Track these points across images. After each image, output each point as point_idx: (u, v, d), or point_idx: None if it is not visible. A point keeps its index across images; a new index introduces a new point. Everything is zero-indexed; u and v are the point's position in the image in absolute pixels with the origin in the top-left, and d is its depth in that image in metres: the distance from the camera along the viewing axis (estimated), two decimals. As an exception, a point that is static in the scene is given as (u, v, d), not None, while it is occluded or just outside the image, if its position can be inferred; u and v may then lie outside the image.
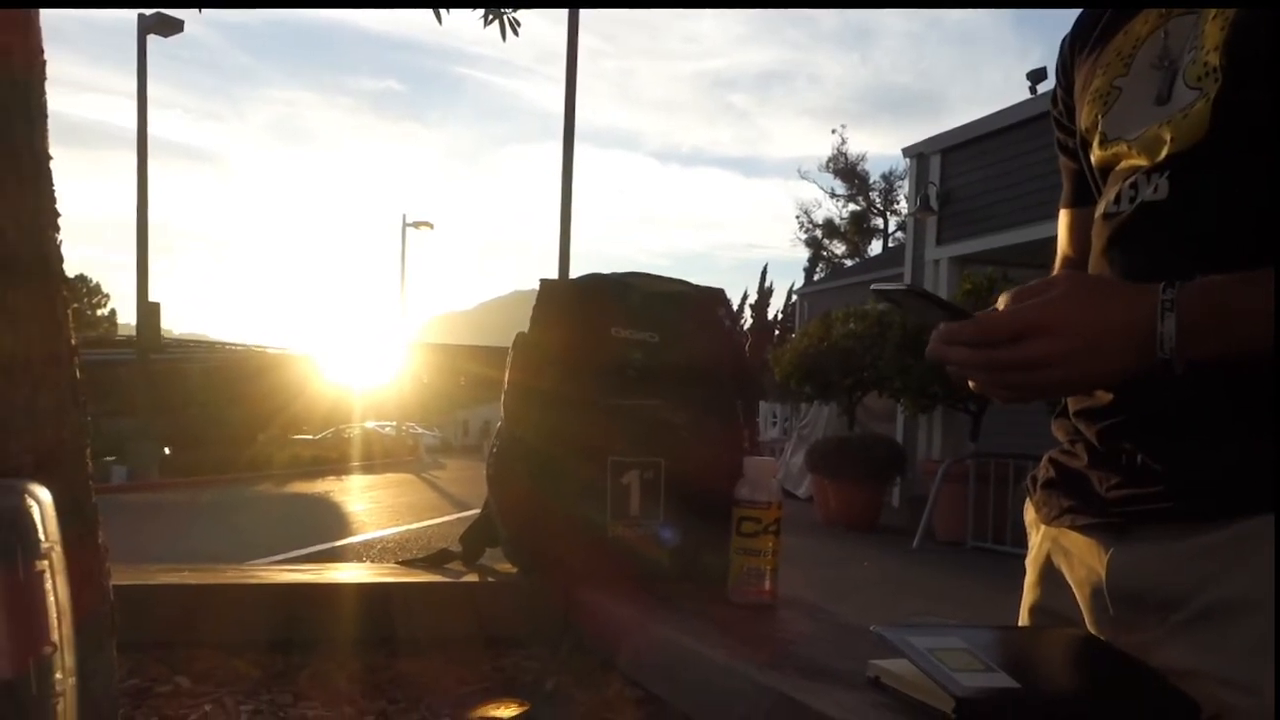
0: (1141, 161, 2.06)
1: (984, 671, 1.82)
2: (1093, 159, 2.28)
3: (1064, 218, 2.65)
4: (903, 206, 50.59)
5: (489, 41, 6.64)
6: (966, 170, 22.93)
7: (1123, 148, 2.13)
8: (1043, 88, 25.55)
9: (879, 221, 78.70)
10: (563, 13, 22.54)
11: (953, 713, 1.72)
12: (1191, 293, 1.76)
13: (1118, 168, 2.16)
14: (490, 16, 6.26)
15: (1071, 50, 2.45)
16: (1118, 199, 2.12)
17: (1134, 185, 2.07)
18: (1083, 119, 2.31)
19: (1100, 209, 2.22)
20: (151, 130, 34.88)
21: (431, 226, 67.88)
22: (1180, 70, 2.03)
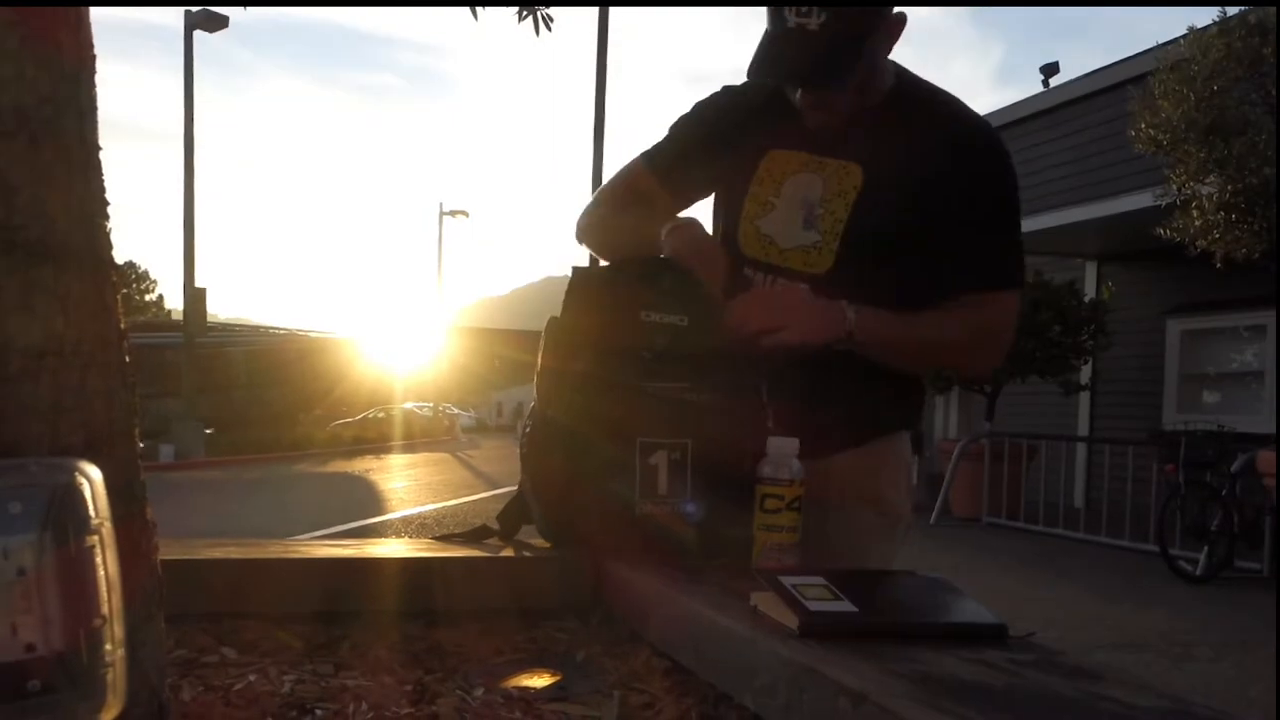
0: (791, 265, 3.21)
1: (832, 600, 2.40)
2: (742, 237, 3.29)
3: (647, 175, 3.41)
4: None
5: (528, 36, 6.60)
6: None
7: (775, 249, 3.24)
8: (1055, 81, 25.53)
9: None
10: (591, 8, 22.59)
11: (797, 628, 2.28)
12: (861, 305, 2.98)
13: (764, 259, 3.26)
14: (524, 13, 6.25)
15: (729, 107, 3.41)
16: (763, 281, 3.28)
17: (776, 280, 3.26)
18: (733, 192, 3.32)
19: (746, 272, 3.31)
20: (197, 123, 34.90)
21: (467, 215, 67.86)
22: (817, 214, 3.17)
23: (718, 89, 3.47)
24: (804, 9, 2.83)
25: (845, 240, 3.12)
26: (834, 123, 3.15)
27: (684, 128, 3.41)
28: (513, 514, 3.63)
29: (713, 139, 3.35)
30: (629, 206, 3.42)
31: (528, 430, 3.37)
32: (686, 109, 3.44)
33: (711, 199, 3.51)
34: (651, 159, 3.40)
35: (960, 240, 3.18)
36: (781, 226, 3.21)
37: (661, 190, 3.35)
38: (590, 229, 3.51)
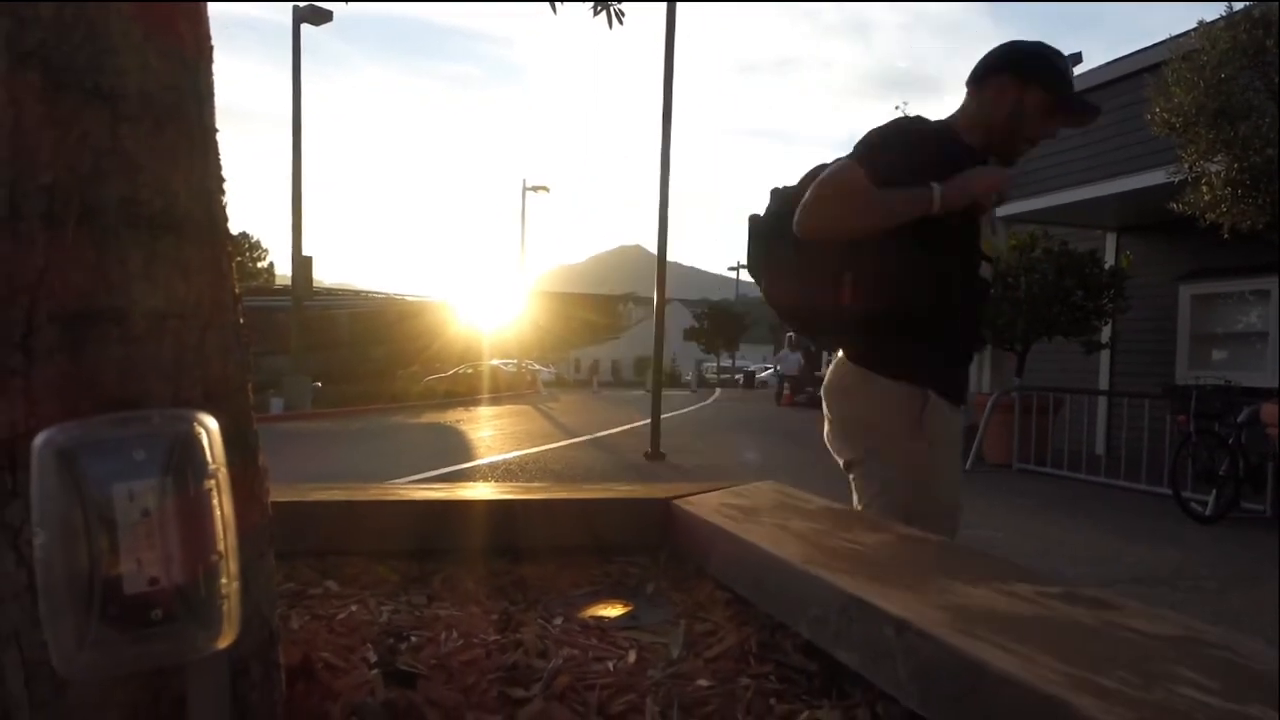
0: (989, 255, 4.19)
1: None
2: (984, 242, 4.12)
3: (870, 180, 3.80)
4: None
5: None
6: (1012, 140, 22.81)
7: (989, 245, 4.16)
8: (1078, 70, 25.43)
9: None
10: None
11: None
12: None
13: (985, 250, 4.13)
14: (598, 8, 6.21)
15: (920, 144, 4.03)
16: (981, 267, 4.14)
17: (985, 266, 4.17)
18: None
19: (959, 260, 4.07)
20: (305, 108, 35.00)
21: (548, 190, 67.78)
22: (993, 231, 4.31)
23: (903, 121, 4.12)
24: None
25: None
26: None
27: (896, 154, 3.88)
28: None
29: (918, 167, 3.84)
30: (874, 196, 3.78)
31: None
32: (885, 134, 4.00)
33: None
34: (874, 171, 3.76)
35: None
36: (988, 232, 4.26)
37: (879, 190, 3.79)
38: (854, 212, 3.81)
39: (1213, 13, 13.97)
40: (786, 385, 46.48)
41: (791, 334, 54.59)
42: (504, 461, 17.27)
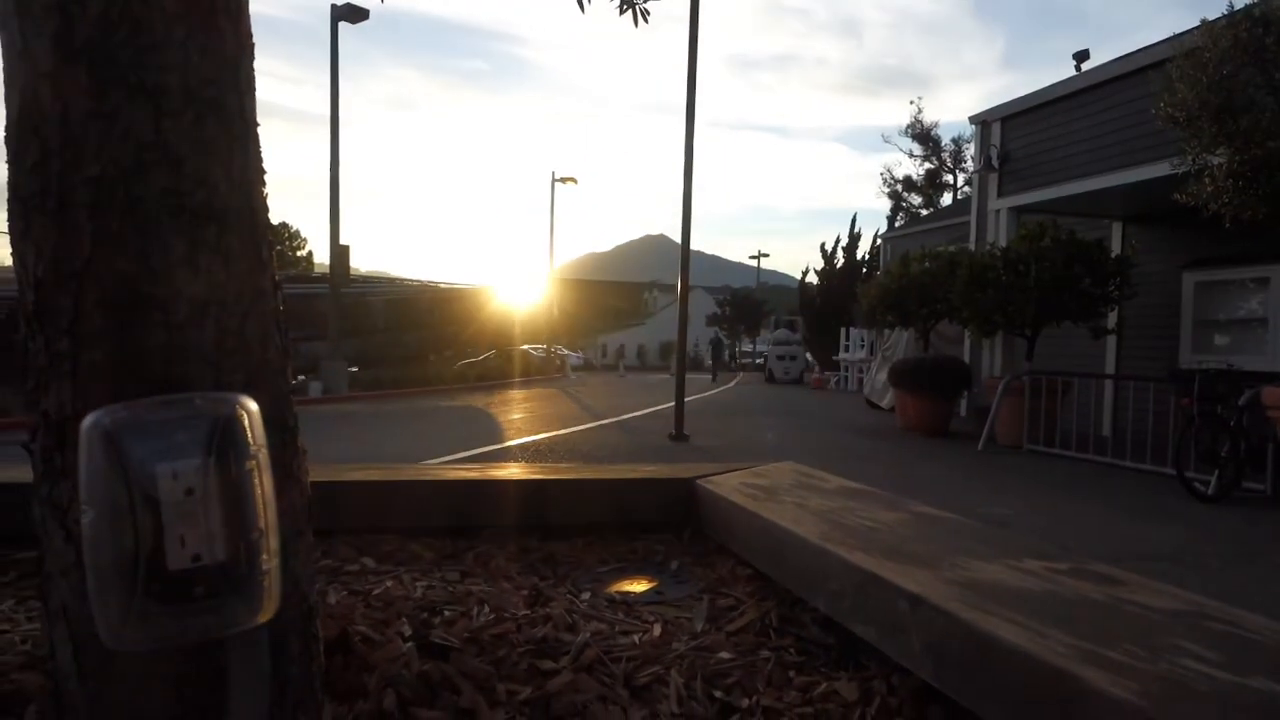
0: None
1: None
2: None
3: None
4: (969, 165, 50.22)
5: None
6: (1023, 134, 22.73)
7: None
8: (1086, 66, 25.38)
9: (949, 178, 78.56)
10: None
11: None
12: None
13: None
14: (624, 7, 6.18)
15: None
16: None
17: None
18: None
19: None
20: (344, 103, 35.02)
21: (575, 181, 67.66)
22: None
23: None
24: None
25: None
26: None
27: None
28: None
29: None
30: None
31: None
32: None
33: None
34: None
35: None
36: None
37: None
38: None
39: (1215, 9, 13.97)
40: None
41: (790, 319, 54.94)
42: (533, 443, 17.29)
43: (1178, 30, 17.24)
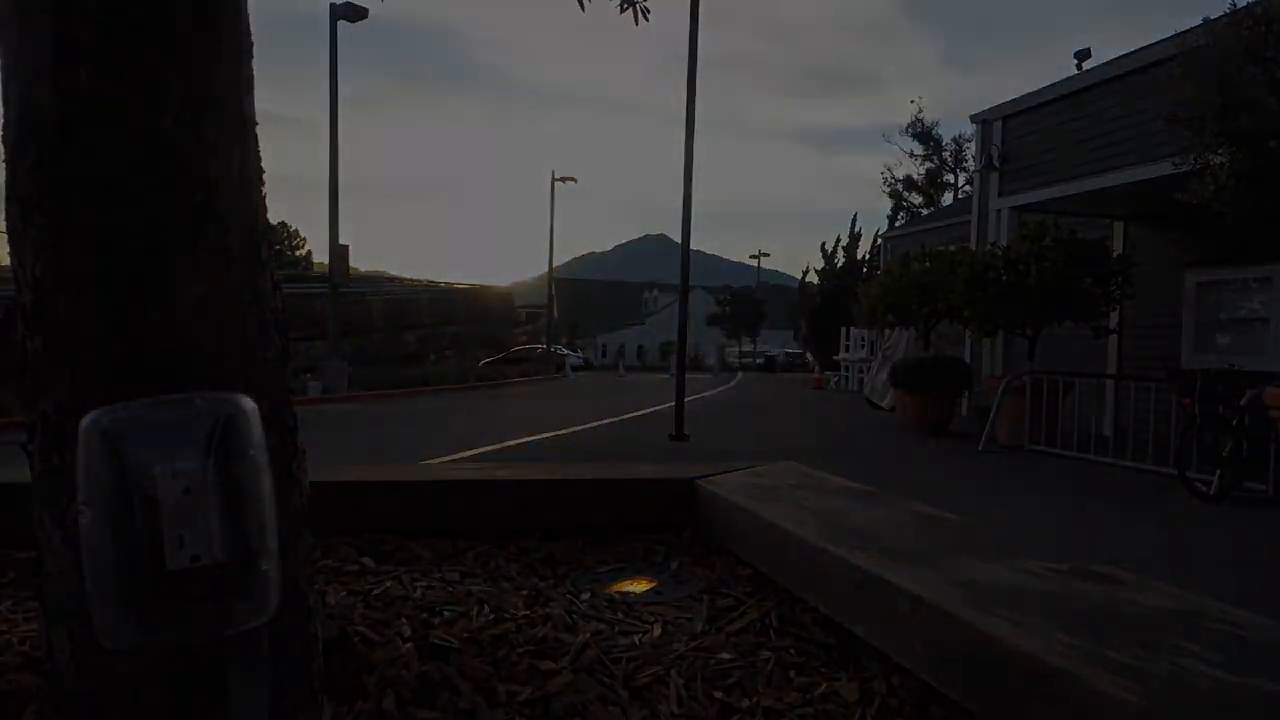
0: None
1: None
2: None
3: None
4: (970, 164, 50.24)
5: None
6: (1024, 134, 22.72)
7: None
8: (1087, 65, 25.35)
9: (950, 177, 78.57)
10: None
11: None
12: None
13: None
14: (624, 5, 6.17)
15: None
16: None
17: None
18: None
19: None
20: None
21: (575, 181, 67.59)
22: None
23: None
24: None
25: None
26: None
27: None
28: None
29: None
30: None
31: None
32: None
33: None
34: None
35: None
36: None
37: None
38: None
39: (1218, 8, 13.97)
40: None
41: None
42: (533, 442, 17.28)
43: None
